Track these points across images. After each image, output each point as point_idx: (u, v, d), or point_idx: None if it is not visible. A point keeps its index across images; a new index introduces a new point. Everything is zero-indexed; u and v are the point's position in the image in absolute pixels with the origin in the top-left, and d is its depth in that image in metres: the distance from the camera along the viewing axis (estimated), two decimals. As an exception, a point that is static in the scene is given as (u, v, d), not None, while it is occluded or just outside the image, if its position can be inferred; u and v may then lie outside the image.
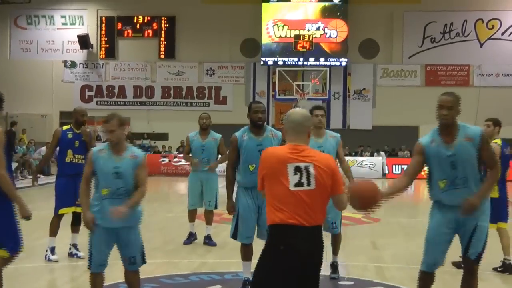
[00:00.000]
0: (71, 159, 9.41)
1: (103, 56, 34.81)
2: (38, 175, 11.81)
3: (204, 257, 9.88)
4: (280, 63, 32.11)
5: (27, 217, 6.05)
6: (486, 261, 7.73)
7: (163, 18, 34.27)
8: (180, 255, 10.04)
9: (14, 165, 24.75)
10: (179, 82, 34.58)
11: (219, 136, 11.12)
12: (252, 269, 5.29)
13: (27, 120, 30.62)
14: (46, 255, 9.37)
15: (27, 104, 32.59)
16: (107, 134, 6.28)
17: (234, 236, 7.59)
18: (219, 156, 11.14)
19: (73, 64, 34.77)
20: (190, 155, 11.12)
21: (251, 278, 7.14)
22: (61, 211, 9.41)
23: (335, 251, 8.44)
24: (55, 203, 9.45)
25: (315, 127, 7.91)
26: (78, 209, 9.36)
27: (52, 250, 9.42)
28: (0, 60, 34.56)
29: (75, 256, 9.50)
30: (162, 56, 34.52)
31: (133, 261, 6.41)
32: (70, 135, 9.50)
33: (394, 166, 29.37)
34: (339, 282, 8.29)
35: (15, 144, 26.24)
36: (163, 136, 33.07)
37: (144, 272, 8.62)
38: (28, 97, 33.12)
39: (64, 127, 9.69)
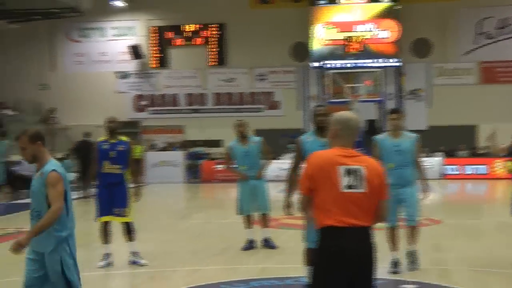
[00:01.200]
0: (108, 170, 9.54)
1: (155, 66, 35.19)
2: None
3: (264, 262, 9.89)
4: (331, 66, 31.96)
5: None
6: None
7: (212, 25, 34.49)
8: (240, 261, 10.07)
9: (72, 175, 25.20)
10: (230, 88, 34.72)
11: (259, 138, 11.16)
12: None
13: (82, 131, 31.15)
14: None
15: (81, 115, 33.13)
16: (20, 152, 5.78)
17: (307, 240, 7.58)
18: (262, 160, 11.15)
19: (125, 75, 35.25)
20: (233, 163, 11.17)
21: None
22: (99, 220, 9.64)
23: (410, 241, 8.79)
24: (96, 212, 9.68)
25: (392, 129, 8.77)
26: (116, 219, 9.54)
27: (105, 257, 9.59)
28: (55, 73, 35.27)
29: (137, 264, 9.61)
30: (213, 63, 34.73)
31: None
32: (105, 146, 9.61)
33: (451, 166, 28.89)
34: (402, 286, 8.19)
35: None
36: (217, 143, 33.20)
37: (204, 278, 8.71)
38: (82, 109, 33.69)
39: (100, 139, 9.84)
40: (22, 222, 15.26)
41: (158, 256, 10.52)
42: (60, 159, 25.97)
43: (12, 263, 10.05)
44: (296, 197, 7.56)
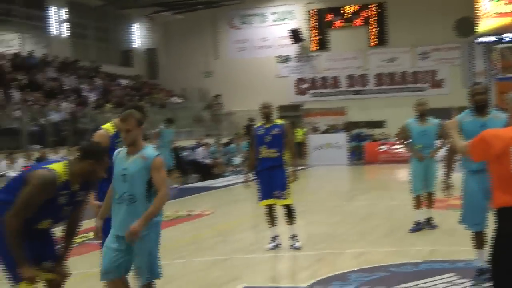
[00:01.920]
0: (265, 154, 9.61)
1: (315, 49, 35.27)
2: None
3: (434, 244, 9.63)
4: (499, 40, 30.45)
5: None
6: None
7: (371, 5, 34.01)
8: (408, 243, 9.86)
9: (239, 160, 25.85)
10: (392, 68, 34.12)
11: (437, 121, 10.86)
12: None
13: (246, 116, 31.83)
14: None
15: (244, 101, 33.82)
16: (123, 133, 5.62)
17: (462, 222, 7.33)
18: (438, 141, 10.87)
19: (286, 59, 35.61)
20: (408, 141, 10.93)
21: (484, 267, 6.85)
22: (261, 203, 9.75)
23: None
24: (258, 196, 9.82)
25: None
26: (277, 202, 9.60)
27: (272, 239, 9.76)
28: (219, 61, 36.29)
29: (292, 247, 9.66)
30: (374, 43, 34.26)
31: (139, 272, 5.59)
32: (261, 131, 9.69)
33: None
34: None
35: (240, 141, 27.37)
36: (380, 124, 32.78)
37: (371, 260, 8.61)
38: (245, 94, 34.40)
39: (256, 125, 9.95)
40: (192, 206, 15.87)
41: (325, 239, 10.54)
42: (225, 144, 26.76)
43: (185, 244, 10.46)
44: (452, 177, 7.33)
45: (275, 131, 9.63)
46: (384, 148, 28.91)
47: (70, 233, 5.13)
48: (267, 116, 9.75)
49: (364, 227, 11.59)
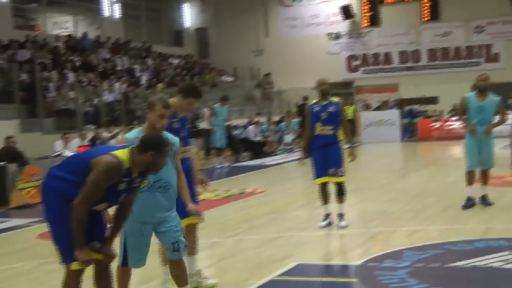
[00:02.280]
0: (320, 132, 9.53)
1: (366, 25, 34.87)
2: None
3: (490, 222, 9.48)
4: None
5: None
6: None
7: (424, -21, 33.45)
8: (462, 220, 9.73)
9: (291, 138, 25.85)
10: (445, 43, 33.54)
11: (498, 98, 10.63)
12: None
13: (297, 94, 31.72)
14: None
15: (295, 79, 33.74)
16: (160, 120, 5.59)
17: None
18: (496, 117, 10.66)
19: (337, 36, 35.32)
20: (465, 116, 10.74)
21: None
22: (316, 181, 9.68)
23: None
24: (313, 175, 9.75)
25: None
26: (331, 179, 9.53)
27: (325, 217, 9.73)
28: (269, 39, 36.18)
29: (338, 226, 9.62)
30: (426, 18, 33.69)
31: (179, 246, 5.66)
32: (316, 108, 9.59)
33: None
34: None
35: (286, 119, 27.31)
36: (433, 100, 32.31)
37: (425, 238, 8.52)
38: (296, 72, 34.28)
39: (311, 102, 9.82)
40: (244, 184, 15.93)
41: (378, 216, 10.48)
42: (276, 122, 26.74)
43: (238, 223, 10.53)
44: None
45: (332, 108, 9.54)
46: (437, 124, 28.49)
47: (121, 217, 5.19)
48: (324, 93, 9.66)
49: (417, 204, 11.47)
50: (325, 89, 9.65)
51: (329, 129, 9.49)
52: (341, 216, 9.71)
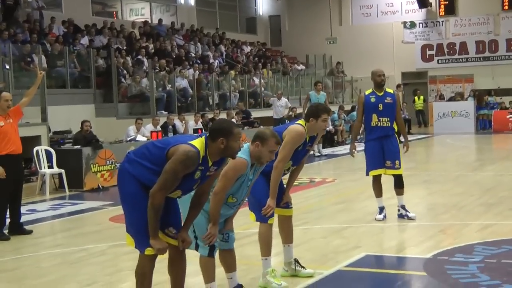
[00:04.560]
0: (376, 123, 9.37)
1: (443, 14, 34.21)
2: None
3: None
4: None
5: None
6: None
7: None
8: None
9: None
10: (526, 33, 32.63)
11: None
12: None
13: (369, 83, 31.38)
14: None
15: (369, 67, 33.11)
16: (270, 155, 5.65)
17: None
18: None
19: (412, 24, 34.76)
20: None
21: None
22: (371, 173, 9.52)
23: None
24: (366, 166, 9.59)
25: None
26: (388, 172, 9.38)
27: (380, 210, 9.60)
28: (343, 27, 35.89)
29: (405, 217, 9.48)
30: (506, 7, 32.78)
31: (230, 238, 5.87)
32: (373, 99, 9.41)
33: None
34: None
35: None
36: (510, 92, 31.49)
37: (498, 233, 8.34)
38: (370, 61, 33.71)
39: (367, 92, 9.61)
40: (314, 173, 15.88)
41: (450, 209, 10.30)
42: (348, 112, 26.54)
43: (307, 211, 10.53)
44: None
45: (388, 99, 9.39)
46: (516, 116, 27.78)
47: (197, 204, 5.25)
48: (380, 84, 9.50)
49: (491, 198, 11.22)
50: (382, 80, 9.48)
51: (386, 120, 9.35)
52: (404, 207, 9.58)
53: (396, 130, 9.58)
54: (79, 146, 14.75)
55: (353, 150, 9.78)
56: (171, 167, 4.81)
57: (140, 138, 16.11)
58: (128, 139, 16.25)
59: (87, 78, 20.66)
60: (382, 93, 9.44)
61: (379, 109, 9.36)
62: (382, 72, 9.56)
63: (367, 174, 9.60)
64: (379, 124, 9.38)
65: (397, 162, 9.39)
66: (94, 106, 20.16)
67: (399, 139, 9.70)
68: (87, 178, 14.45)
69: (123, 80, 21.19)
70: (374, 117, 9.39)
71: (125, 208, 5.08)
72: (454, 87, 33.27)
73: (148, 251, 4.96)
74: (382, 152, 9.37)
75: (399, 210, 9.61)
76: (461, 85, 33.33)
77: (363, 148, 9.93)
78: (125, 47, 23.51)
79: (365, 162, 9.64)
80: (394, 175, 9.52)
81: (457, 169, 15.97)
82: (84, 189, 14.31)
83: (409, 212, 9.55)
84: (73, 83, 20.11)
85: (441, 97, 32.14)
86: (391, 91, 9.58)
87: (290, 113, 22.06)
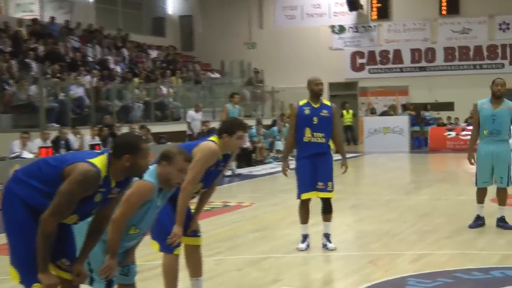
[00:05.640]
0: (310, 139, 9.33)
1: (375, 18, 34.97)
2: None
3: (508, 248, 9.52)
4: None
5: None
6: None
7: (442, -33, 33.59)
8: (477, 245, 9.76)
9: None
10: (464, 41, 33.68)
11: None
12: None
13: (292, 94, 31.73)
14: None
15: (292, 77, 33.68)
16: (180, 175, 5.56)
17: None
18: None
19: (341, 29, 35.38)
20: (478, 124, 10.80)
21: None
22: (303, 196, 9.45)
23: None
24: (297, 188, 9.55)
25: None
26: (319, 194, 9.41)
27: (304, 239, 9.60)
28: (264, 30, 36.22)
29: (325, 248, 9.57)
30: (444, 12, 33.82)
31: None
32: (307, 111, 9.37)
33: None
34: None
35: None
36: (448, 106, 32.42)
37: (433, 264, 8.55)
38: (293, 69, 34.26)
39: (301, 102, 9.54)
40: (229, 196, 15.89)
41: (380, 238, 10.49)
42: (267, 126, 26.73)
43: (220, 240, 10.52)
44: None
45: (324, 112, 9.35)
46: (452, 134, 28.61)
47: (96, 231, 5.15)
48: (317, 94, 9.51)
49: (426, 225, 11.49)
50: (319, 90, 9.48)
51: (321, 136, 9.34)
52: (328, 236, 9.59)
53: (331, 147, 9.61)
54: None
55: (286, 169, 9.65)
56: (67, 188, 4.71)
57: (26, 155, 15.82)
58: (12, 155, 15.92)
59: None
60: (318, 105, 9.40)
61: (314, 122, 9.29)
62: (319, 81, 9.52)
63: (298, 197, 9.50)
64: (312, 140, 9.31)
65: (329, 184, 9.35)
66: (-29, 117, 19.69)
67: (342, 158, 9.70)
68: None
69: (6, 87, 20.75)
70: (308, 131, 9.30)
71: (9, 236, 4.92)
72: (387, 100, 33.99)
73: (36, 287, 4.84)
74: (315, 172, 9.32)
75: (322, 239, 9.66)
76: (394, 98, 34.09)
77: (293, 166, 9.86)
78: (9, 49, 23.06)
79: (297, 183, 9.55)
80: (322, 199, 9.50)
81: (389, 192, 16.30)
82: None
83: (329, 243, 9.53)
84: None
85: (372, 111, 32.75)
86: (328, 103, 9.56)
87: (203, 127, 22.08)
